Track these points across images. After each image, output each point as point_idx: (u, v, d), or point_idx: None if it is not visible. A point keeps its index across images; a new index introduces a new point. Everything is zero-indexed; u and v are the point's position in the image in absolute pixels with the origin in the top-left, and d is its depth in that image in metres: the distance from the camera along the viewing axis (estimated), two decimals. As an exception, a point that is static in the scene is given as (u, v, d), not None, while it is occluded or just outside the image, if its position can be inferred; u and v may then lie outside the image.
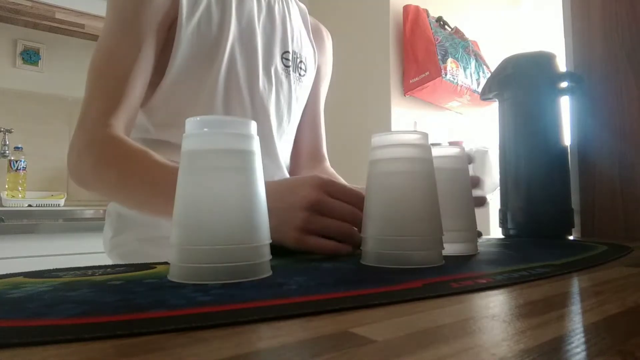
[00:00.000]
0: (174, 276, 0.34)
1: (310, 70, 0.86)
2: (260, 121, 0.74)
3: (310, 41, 0.87)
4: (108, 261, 0.73)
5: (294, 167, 0.88)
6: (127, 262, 0.71)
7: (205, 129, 0.35)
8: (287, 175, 0.83)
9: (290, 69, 0.80)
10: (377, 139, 0.42)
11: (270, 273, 0.35)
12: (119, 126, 0.60)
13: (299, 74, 0.82)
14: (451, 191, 0.48)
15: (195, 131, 0.35)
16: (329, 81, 0.97)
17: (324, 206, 0.46)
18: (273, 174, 0.77)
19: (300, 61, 0.82)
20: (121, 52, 0.62)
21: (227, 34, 0.70)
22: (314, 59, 0.88)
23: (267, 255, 0.36)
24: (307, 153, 0.90)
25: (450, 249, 0.47)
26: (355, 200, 0.48)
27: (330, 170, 0.91)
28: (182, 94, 0.68)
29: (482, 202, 0.61)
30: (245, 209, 0.34)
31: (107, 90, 0.61)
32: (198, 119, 0.35)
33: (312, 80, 0.88)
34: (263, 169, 0.37)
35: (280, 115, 0.79)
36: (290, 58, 0.80)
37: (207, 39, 0.69)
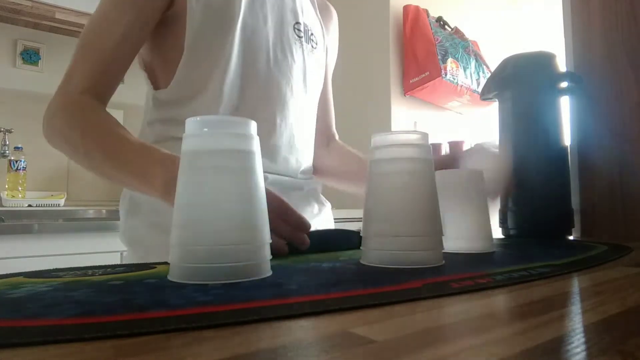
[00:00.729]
0: (174, 276, 0.34)
1: (320, 45, 0.86)
2: (276, 92, 0.75)
3: (318, 18, 0.88)
4: (108, 261, 0.72)
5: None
6: (133, 249, 0.71)
7: (205, 129, 0.35)
8: (312, 144, 0.84)
9: (303, 39, 0.80)
10: (377, 139, 0.42)
11: (270, 273, 0.35)
12: (96, 95, 0.63)
13: (312, 46, 0.82)
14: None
15: (195, 131, 0.35)
16: (335, 60, 0.98)
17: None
18: None
19: (312, 34, 0.83)
20: (108, 24, 0.64)
21: (239, 5, 0.70)
22: (323, 35, 0.88)
23: (267, 255, 0.36)
24: (319, 130, 0.90)
25: (463, 246, 0.48)
26: (298, 224, 0.49)
27: (341, 144, 0.94)
28: (200, 68, 0.69)
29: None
30: (245, 209, 0.34)
31: (92, 61, 0.64)
32: (198, 119, 0.35)
33: (324, 56, 0.88)
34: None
35: (297, 85, 0.79)
36: (302, 29, 0.80)
37: (218, 12, 0.69)
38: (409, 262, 0.39)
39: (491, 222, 0.53)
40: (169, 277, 0.34)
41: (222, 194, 0.34)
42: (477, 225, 0.51)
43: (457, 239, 0.50)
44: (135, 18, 0.64)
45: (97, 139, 0.61)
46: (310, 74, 0.81)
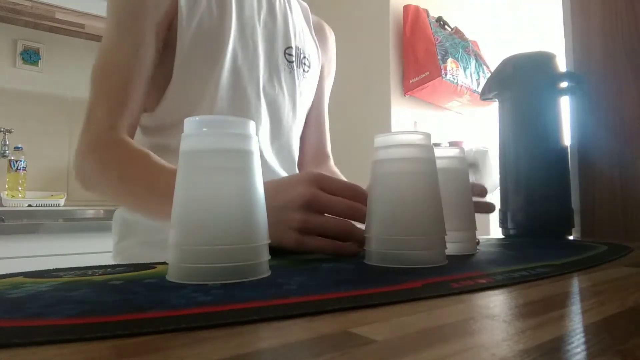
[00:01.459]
0: (172, 276, 0.34)
1: (315, 67, 0.86)
2: (265, 120, 0.74)
3: (313, 38, 0.87)
4: (108, 261, 0.73)
5: (298, 165, 0.88)
6: None
7: (204, 129, 0.35)
8: (296, 170, 0.82)
9: (294, 64, 0.79)
10: (380, 140, 0.42)
11: (268, 273, 0.35)
12: (122, 128, 0.61)
13: (303, 70, 0.82)
14: (450, 191, 0.48)
15: (193, 131, 0.35)
16: (332, 79, 0.97)
17: (319, 203, 0.44)
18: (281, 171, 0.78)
19: (304, 57, 0.82)
20: (121, 55, 0.63)
21: (228, 32, 0.70)
22: (318, 56, 0.87)
23: (265, 255, 0.36)
24: (311, 151, 0.90)
25: (450, 248, 0.47)
26: (352, 193, 0.46)
27: (334, 169, 0.91)
28: (188, 95, 0.69)
29: (490, 209, 0.61)
30: (244, 209, 0.34)
31: (109, 93, 0.62)
32: (197, 118, 0.35)
33: (317, 78, 0.88)
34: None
35: (287, 112, 0.79)
36: (293, 54, 0.80)
37: (208, 38, 0.69)
38: (412, 261, 0.39)
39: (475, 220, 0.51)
40: (168, 278, 0.34)
41: (221, 193, 0.34)
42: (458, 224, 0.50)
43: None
44: (141, 43, 0.64)
45: (135, 179, 0.58)
46: (300, 100, 0.81)
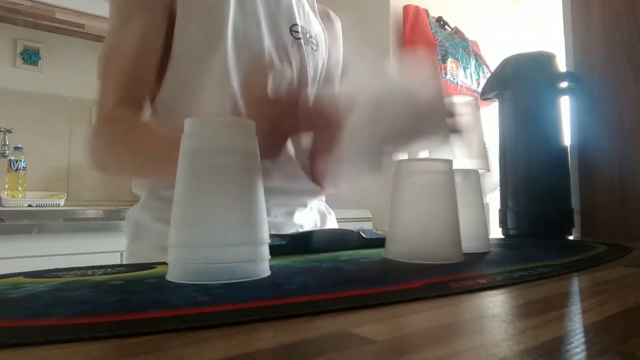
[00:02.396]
0: (172, 276, 0.34)
1: (322, 48, 0.84)
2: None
3: (319, 21, 0.86)
4: (108, 261, 0.73)
5: (312, 153, 0.86)
6: None
7: (204, 129, 0.35)
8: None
9: (302, 41, 0.78)
10: (405, 165, 0.46)
11: (269, 273, 0.35)
12: (130, 106, 0.62)
13: (312, 48, 0.80)
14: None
15: (194, 131, 0.35)
16: (340, 69, 0.95)
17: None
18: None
19: (310, 36, 0.81)
20: (127, 37, 0.64)
21: (228, 10, 0.68)
22: (325, 38, 0.85)
23: (266, 255, 0.36)
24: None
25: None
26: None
27: None
28: (192, 78, 0.68)
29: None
30: (244, 209, 0.34)
31: (113, 74, 0.63)
32: (198, 119, 0.35)
33: (325, 59, 0.85)
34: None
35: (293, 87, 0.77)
36: (299, 31, 0.78)
37: (207, 17, 0.67)
38: (432, 257, 0.43)
39: (487, 222, 0.53)
40: (168, 278, 0.34)
41: (222, 193, 0.34)
42: (472, 225, 0.51)
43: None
44: (146, 22, 0.64)
45: (139, 147, 0.60)
46: (311, 75, 0.79)
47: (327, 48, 0.86)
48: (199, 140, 0.35)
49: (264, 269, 0.35)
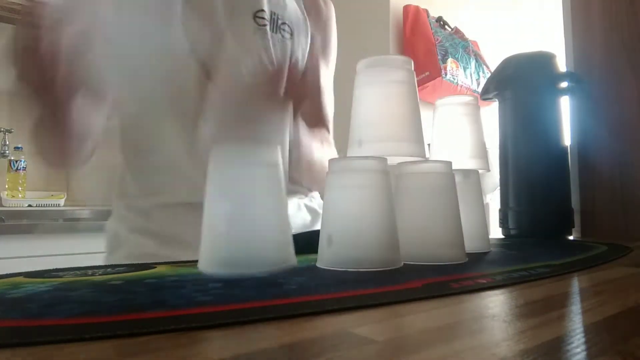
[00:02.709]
0: (204, 266, 0.36)
1: (299, 36, 0.79)
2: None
3: (300, 8, 0.81)
4: (108, 262, 0.73)
5: (294, 137, 0.83)
6: None
7: (234, 156, 0.37)
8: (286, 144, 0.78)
9: (268, 28, 0.74)
10: (405, 166, 0.45)
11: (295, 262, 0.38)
12: None
13: (282, 36, 0.76)
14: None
15: (226, 159, 0.37)
16: (332, 53, 0.90)
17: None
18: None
19: (283, 22, 0.76)
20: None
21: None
22: (306, 25, 0.81)
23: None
24: (307, 119, 0.81)
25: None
26: None
27: (330, 140, 0.86)
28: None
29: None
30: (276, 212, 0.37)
31: None
32: (229, 149, 0.37)
33: (305, 47, 0.81)
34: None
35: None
36: (266, 17, 0.74)
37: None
38: (434, 259, 0.43)
39: (487, 222, 0.53)
40: (199, 267, 0.36)
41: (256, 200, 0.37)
42: (472, 225, 0.51)
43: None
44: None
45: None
46: (280, 62, 0.74)
47: (308, 34, 0.81)
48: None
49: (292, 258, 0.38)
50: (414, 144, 0.46)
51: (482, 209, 0.53)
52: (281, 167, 0.38)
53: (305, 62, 0.81)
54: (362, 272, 0.37)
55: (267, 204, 0.37)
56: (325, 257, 0.40)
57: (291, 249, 0.38)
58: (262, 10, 0.73)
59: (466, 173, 0.53)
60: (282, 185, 0.38)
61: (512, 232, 0.78)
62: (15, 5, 1.72)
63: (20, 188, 1.89)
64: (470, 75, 2.04)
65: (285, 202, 0.39)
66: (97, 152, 0.64)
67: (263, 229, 0.36)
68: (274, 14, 0.75)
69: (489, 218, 1.56)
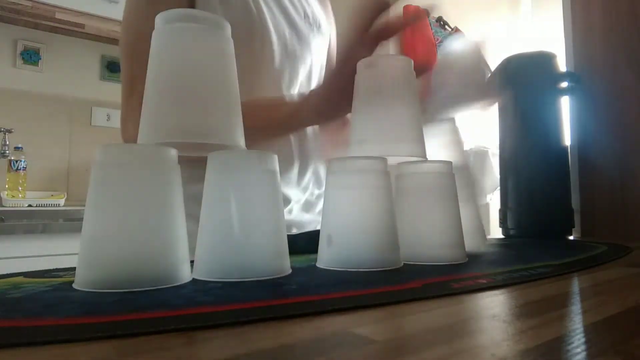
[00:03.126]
0: (198, 274, 0.35)
1: (325, 31, 0.88)
2: (295, 83, 0.78)
3: (321, 5, 0.90)
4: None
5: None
6: None
7: (230, 163, 0.36)
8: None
9: (314, 27, 0.83)
10: (406, 166, 0.45)
11: (290, 271, 0.37)
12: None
13: (321, 34, 0.85)
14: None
15: (218, 166, 0.36)
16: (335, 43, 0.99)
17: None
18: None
19: (315, 20, 0.86)
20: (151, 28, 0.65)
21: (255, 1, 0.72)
22: (326, 22, 0.90)
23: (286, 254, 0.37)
24: None
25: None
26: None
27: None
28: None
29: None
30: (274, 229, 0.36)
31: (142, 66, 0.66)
32: (221, 153, 0.36)
33: (327, 42, 0.90)
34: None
35: (314, 74, 0.83)
36: (310, 17, 0.83)
37: (237, 12, 0.70)
38: (431, 259, 0.42)
39: (480, 220, 0.52)
40: (194, 275, 0.35)
41: (247, 208, 0.36)
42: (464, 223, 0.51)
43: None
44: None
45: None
46: (316, 59, 0.84)
47: (328, 30, 0.90)
48: (222, 177, 0.36)
49: (286, 267, 0.37)
50: (414, 144, 0.46)
51: (473, 207, 0.52)
52: (277, 174, 0.37)
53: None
54: (362, 272, 0.37)
55: (263, 212, 0.36)
56: (325, 257, 0.40)
57: (286, 258, 0.37)
58: (307, 14, 0.84)
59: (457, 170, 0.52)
60: (278, 193, 0.37)
61: (512, 232, 0.78)
62: (15, 5, 1.72)
63: (20, 188, 1.89)
64: (470, 75, 2.04)
65: (282, 210, 0.38)
66: None
67: (258, 237, 0.35)
68: (314, 13, 0.86)
69: (489, 218, 1.56)
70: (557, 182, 0.77)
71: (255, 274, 0.34)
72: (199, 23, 0.38)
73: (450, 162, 0.45)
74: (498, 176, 0.84)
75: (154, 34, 0.40)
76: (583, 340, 0.20)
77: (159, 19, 0.39)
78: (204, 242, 0.35)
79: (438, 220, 0.44)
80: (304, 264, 0.41)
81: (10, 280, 0.34)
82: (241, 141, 0.40)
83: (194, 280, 0.33)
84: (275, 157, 0.37)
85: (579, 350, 0.19)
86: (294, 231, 0.72)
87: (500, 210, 0.81)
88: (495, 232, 0.83)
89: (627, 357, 0.18)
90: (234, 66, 0.42)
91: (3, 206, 1.81)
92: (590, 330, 0.22)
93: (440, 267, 0.40)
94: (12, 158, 1.89)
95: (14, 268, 0.40)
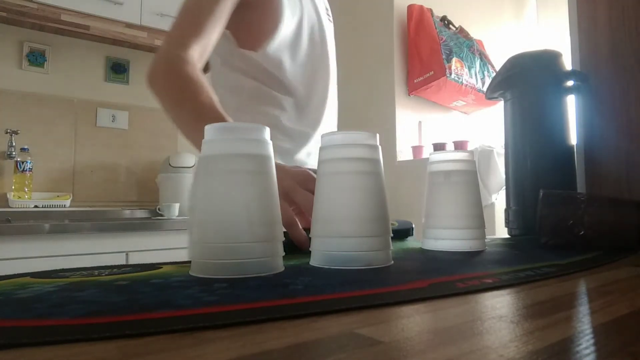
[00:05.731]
0: (195, 271, 0.36)
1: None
2: (325, 72, 0.91)
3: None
4: (114, 262, 0.73)
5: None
6: None
7: (222, 135, 0.37)
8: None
9: (332, 23, 0.97)
10: (326, 139, 0.42)
11: (283, 269, 0.38)
12: (193, 51, 0.71)
13: (330, 21, 0.98)
14: (461, 191, 0.52)
15: (212, 137, 0.37)
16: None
17: (293, 195, 0.53)
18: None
19: (329, 10, 0.98)
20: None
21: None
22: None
23: (280, 251, 0.38)
24: None
25: (461, 245, 0.51)
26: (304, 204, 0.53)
27: None
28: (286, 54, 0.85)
29: None
30: (262, 209, 0.36)
31: (191, 22, 0.73)
32: (216, 125, 0.37)
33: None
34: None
35: (332, 64, 0.94)
36: (328, 8, 0.98)
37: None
38: (354, 262, 0.39)
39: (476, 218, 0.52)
40: (191, 272, 0.36)
41: (239, 194, 0.36)
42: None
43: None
44: None
45: (185, 104, 0.68)
46: (331, 49, 0.95)
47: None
48: (217, 145, 0.37)
49: (278, 264, 0.37)
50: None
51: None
52: (273, 170, 0.38)
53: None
54: (367, 272, 0.37)
55: (255, 205, 0.36)
56: (317, 256, 0.41)
57: (280, 256, 0.38)
58: (327, 8, 0.98)
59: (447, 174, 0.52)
60: (273, 188, 0.38)
61: (518, 231, 0.78)
62: (21, 7, 1.73)
63: (26, 189, 1.91)
64: (475, 74, 2.03)
65: (277, 205, 0.38)
66: None
67: (250, 232, 0.35)
68: (327, 8, 0.99)
69: (495, 218, 1.55)
70: (564, 182, 0.76)
71: (246, 272, 0.35)
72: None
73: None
74: (503, 176, 0.83)
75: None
76: (592, 341, 0.20)
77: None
78: (194, 239, 0.37)
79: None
80: (310, 264, 0.41)
81: (17, 280, 0.34)
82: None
83: (199, 280, 0.33)
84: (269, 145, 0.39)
85: (588, 351, 0.19)
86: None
87: (506, 210, 0.81)
88: (501, 232, 0.83)
89: (638, 359, 0.18)
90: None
91: (9, 207, 1.82)
92: (600, 331, 0.22)
93: (446, 267, 0.40)
94: (19, 159, 1.91)
95: (21, 268, 0.41)
